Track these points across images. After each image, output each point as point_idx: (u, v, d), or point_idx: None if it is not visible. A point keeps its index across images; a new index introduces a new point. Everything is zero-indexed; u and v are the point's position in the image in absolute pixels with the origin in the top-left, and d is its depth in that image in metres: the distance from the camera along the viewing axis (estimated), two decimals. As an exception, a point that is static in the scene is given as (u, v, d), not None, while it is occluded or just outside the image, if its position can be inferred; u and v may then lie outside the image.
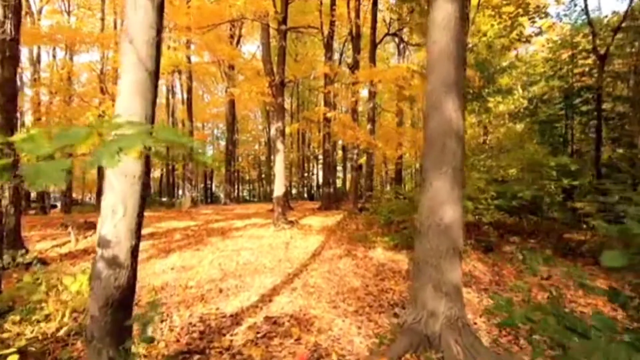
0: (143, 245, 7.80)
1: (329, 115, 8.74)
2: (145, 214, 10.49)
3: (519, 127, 10.17)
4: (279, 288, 4.87)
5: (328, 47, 14.06)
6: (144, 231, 9.00)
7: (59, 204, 30.11)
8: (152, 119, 2.34)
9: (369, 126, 12.59)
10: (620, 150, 12.06)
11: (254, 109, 31.21)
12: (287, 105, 28.25)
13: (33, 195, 23.54)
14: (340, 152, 30.24)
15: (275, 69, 9.99)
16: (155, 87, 2.32)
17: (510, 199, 6.68)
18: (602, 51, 9.75)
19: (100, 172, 21.26)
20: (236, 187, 31.74)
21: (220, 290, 4.74)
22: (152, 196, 30.33)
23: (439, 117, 3.05)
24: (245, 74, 19.85)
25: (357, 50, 11.70)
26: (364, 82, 9.83)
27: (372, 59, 12.19)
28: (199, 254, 6.93)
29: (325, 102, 12.81)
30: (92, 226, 9.24)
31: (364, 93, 21.86)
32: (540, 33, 9.71)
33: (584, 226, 7.85)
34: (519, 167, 7.21)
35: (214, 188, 34.45)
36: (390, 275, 5.50)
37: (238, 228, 9.91)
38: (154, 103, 2.35)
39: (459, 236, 3.04)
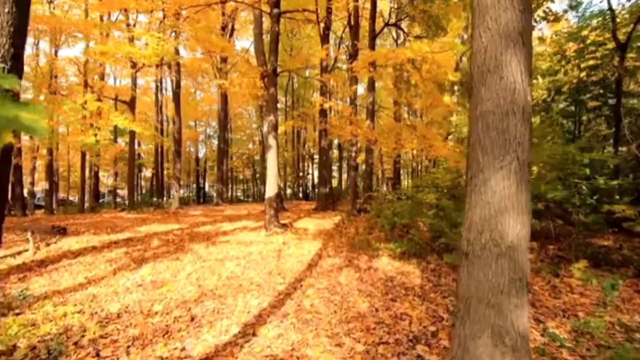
0: (114, 254, 6.71)
1: (326, 105, 7.71)
2: (129, 216, 9.39)
3: (535, 120, 9.20)
4: (266, 313, 3.83)
5: (324, 37, 13.05)
6: (119, 236, 7.90)
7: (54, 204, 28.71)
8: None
9: (367, 122, 11.60)
10: (624, 148, 11.18)
11: (248, 107, 30.11)
12: (281, 104, 27.21)
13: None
14: (336, 152, 29.23)
15: (267, 57, 8.93)
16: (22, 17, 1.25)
17: (533, 200, 5.68)
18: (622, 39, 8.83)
19: (83, 169, 20.06)
20: (230, 187, 30.58)
21: (192, 318, 3.68)
22: (144, 197, 29.07)
23: (496, 84, 2.03)
24: (240, 70, 18.78)
25: (356, 38, 10.67)
26: (364, 68, 8.82)
27: (372, 50, 11.16)
28: (176, 265, 5.85)
29: (321, 92, 11.74)
30: (60, 231, 8.13)
31: (360, 91, 20.78)
32: (576, 6, 8.67)
33: (610, 230, 6.90)
34: (539, 164, 6.23)
35: (207, 188, 33.25)
36: (402, 294, 4.48)
37: (226, 232, 8.85)
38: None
39: (526, 262, 2.03)
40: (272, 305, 4.08)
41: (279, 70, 9.22)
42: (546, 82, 9.26)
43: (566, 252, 6.30)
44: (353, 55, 10.32)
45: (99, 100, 17.55)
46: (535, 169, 6.49)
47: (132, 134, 13.87)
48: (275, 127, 8.65)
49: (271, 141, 8.58)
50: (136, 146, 32.44)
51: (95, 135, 18.32)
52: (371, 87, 10.35)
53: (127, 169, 14.25)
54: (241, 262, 6.04)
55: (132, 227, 9.66)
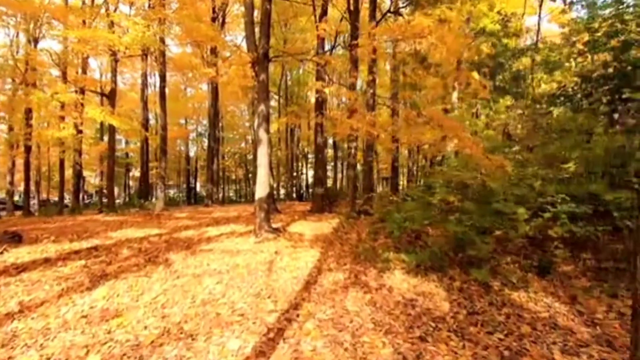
0: (69, 269, 5.39)
1: (326, 90, 6.54)
2: (106, 218, 7.86)
3: (557, 111, 8.09)
4: (249, 367, 2.63)
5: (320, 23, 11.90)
6: (84, 244, 6.60)
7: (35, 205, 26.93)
8: None
9: (368, 117, 10.48)
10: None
11: (240, 105, 28.78)
12: (274, 102, 25.95)
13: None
14: (330, 151, 28.02)
15: (257, 40, 7.72)
16: None
17: (577, 202, 4.59)
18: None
19: (62, 167, 18.54)
20: (222, 187, 29.21)
21: (139, 379, 2.46)
22: (132, 197, 27.53)
23: None
24: (230, 63, 17.50)
25: (356, 20, 9.50)
26: (370, 45, 7.64)
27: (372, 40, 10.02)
28: (142, 284, 4.61)
29: (317, 77, 10.52)
30: (14, 238, 6.82)
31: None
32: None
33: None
34: (580, 160, 5.15)
35: (198, 188, 31.75)
36: (431, 327, 3.32)
37: (210, 238, 7.60)
38: None
39: None
40: (259, 350, 2.89)
41: (271, 55, 8.02)
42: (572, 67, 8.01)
43: (609, 263, 5.21)
44: (353, 45, 9.14)
45: (81, 93, 16.14)
46: (572, 165, 5.40)
47: (112, 128, 12.49)
48: (266, 119, 7.44)
49: (262, 135, 7.37)
50: (124, 145, 30.90)
51: (80, 130, 16.85)
52: (372, 69, 9.13)
53: (107, 167, 12.86)
54: (223, 279, 4.83)
55: (104, 232, 8.36)
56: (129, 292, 4.35)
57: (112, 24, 11.89)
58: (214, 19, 16.05)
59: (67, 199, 25.97)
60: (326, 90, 6.41)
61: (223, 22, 17.45)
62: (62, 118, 15.00)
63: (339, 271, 5.12)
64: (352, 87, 8.37)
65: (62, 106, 13.17)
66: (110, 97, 12.31)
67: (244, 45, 19.53)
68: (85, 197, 33.31)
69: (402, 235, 6.59)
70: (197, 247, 6.77)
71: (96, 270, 5.18)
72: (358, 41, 7.52)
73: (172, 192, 35.21)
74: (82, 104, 11.96)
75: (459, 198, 5.04)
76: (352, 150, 10.09)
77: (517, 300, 4.03)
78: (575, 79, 7.08)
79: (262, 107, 7.39)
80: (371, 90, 9.85)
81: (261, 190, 7.50)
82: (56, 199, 30.84)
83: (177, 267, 5.42)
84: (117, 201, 32.95)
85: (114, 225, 9.46)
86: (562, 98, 6.99)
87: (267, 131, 7.45)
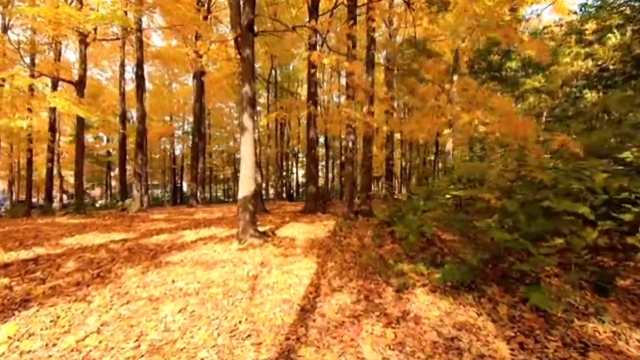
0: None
1: (325, 61, 5.24)
2: (70, 221, 5.46)
3: (591, 95, 7.02)
4: None
5: (313, 10, 10.67)
6: (22, 255, 4.99)
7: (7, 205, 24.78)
8: None
9: (365, 108, 9.29)
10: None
11: (230, 103, 27.22)
12: (263, 99, 24.54)
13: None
14: (321, 150, 26.71)
15: (242, 9, 6.40)
16: None
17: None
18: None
19: (30, 164, 16.78)
20: (209, 186, 27.59)
21: None
22: (114, 198, 25.66)
23: None
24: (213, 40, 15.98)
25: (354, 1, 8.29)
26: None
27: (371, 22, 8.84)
28: (73, 314, 3.25)
29: (310, 46, 9.24)
30: None
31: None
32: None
33: None
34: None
35: (184, 187, 29.98)
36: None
37: (184, 245, 6.23)
38: None
39: None
40: None
41: (257, 30, 6.70)
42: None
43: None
44: (352, 20, 7.90)
45: (54, 85, 14.46)
46: (629, 154, 4.27)
47: (81, 121, 10.96)
48: (251, 103, 6.11)
49: (246, 121, 6.04)
50: (105, 142, 28.96)
51: (53, 124, 15.13)
52: (371, 42, 7.87)
53: (75, 164, 11.30)
54: (189, 304, 3.50)
55: (57, 237, 6.89)
56: (49, 329, 2.98)
57: (80, 3, 10.37)
58: (199, 2, 14.62)
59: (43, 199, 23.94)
60: (325, 60, 5.11)
61: (208, 11, 15.98)
62: (30, 110, 13.37)
63: (344, 290, 3.85)
64: (351, 57, 7.10)
65: (31, 94, 11.61)
66: (78, 85, 10.77)
67: (231, 42, 18.09)
68: (65, 197, 31.08)
69: (414, 242, 5.36)
70: (165, 256, 5.40)
71: (18, 293, 3.78)
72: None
73: (157, 191, 33.29)
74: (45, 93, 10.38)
75: (496, 196, 3.81)
76: (350, 144, 8.86)
77: (599, 338, 2.82)
78: (617, 53, 6.00)
79: (246, 88, 6.06)
80: (370, 78, 8.62)
81: (246, 187, 6.17)
82: (36, 200, 28.66)
83: (130, 286, 4.05)
84: (100, 202, 30.95)
85: (73, 229, 7.98)
86: (598, 78, 5.87)
87: (253, 117, 6.12)
